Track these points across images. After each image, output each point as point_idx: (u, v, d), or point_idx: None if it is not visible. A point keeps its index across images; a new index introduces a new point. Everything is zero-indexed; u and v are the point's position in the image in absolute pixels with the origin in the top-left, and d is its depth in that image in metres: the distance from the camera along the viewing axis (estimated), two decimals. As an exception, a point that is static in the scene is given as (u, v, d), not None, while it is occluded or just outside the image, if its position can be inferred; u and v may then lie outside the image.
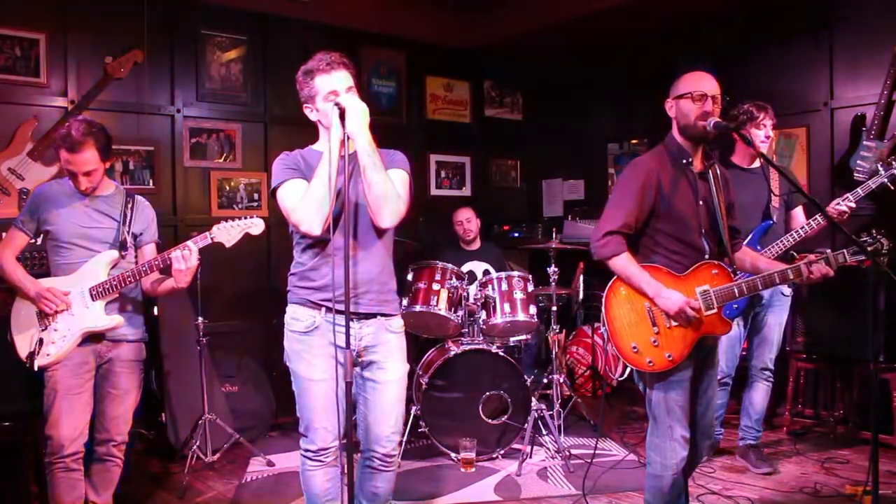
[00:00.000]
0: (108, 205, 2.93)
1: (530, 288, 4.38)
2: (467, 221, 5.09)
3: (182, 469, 3.86)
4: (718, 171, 2.67)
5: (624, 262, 2.56)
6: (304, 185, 2.40)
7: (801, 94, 4.79)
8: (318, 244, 2.45)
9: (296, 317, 2.48)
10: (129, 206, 2.95)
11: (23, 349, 2.84)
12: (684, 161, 2.60)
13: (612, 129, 6.05)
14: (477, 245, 5.17)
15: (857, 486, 3.46)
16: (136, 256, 3.01)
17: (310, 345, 2.44)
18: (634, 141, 5.91)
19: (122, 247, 2.90)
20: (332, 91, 2.42)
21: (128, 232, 2.94)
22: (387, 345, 2.52)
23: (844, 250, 2.52)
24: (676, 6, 4.98)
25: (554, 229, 4.79)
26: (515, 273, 4.41)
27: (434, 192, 6.12)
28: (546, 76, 6.47)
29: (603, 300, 2.65)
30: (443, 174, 6.20)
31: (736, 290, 2.52)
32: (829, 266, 2.49)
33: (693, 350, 2.56)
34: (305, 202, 2.34)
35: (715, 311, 2.53)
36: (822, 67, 4.68)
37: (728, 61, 5.16)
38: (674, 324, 2.54)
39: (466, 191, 6.32)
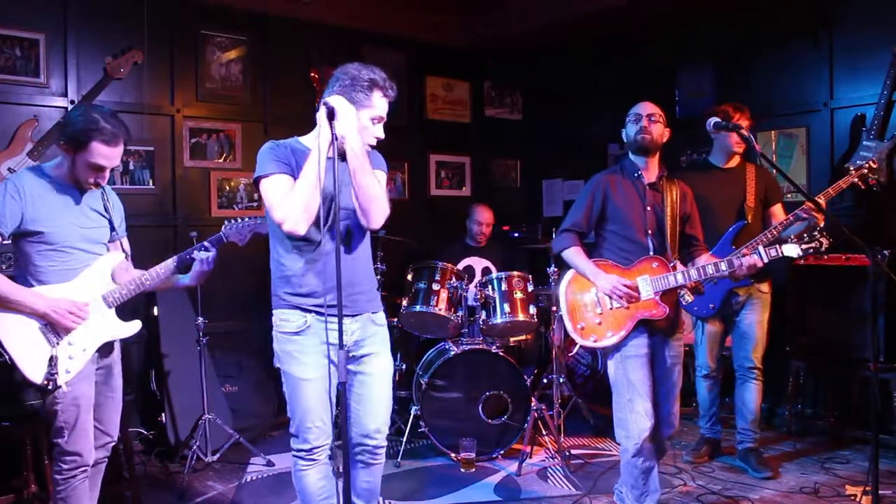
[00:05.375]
0: (93, 199, 2.70)
1: (530, 288, 4.38)
2: (487, 227, 5.05)
3: (182, 469, 3.86)
4: (676, 187, 3.09)
5: (572, 254, 3.07)
6: (291, 181, 2.36)
7: (801, 94, 4.79)
8: (304, 245, 2.42)
9: (286, 318, 2.46)
10: (106, 198, 2.75)
11: (33, 372, 2.50)
12: (635, 174, 3.07)
13: (612, 129, 6.00)
14: (482, 243, 5.13)
15: (857, 486, 3.47)
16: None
17: (302, 345, 2.43)
18: (634, 141, 5.91)
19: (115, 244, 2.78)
20: (380, 117, 2.47)
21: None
22: (374, 338, 2.56)
23: (777, 245, 2.91)
24: (676, 6, 4.98)
25: (554, 229, 4.77)
26: (515, 273, 4.41)
27: (434, 191, 6.12)
28: (546, 76, 6.46)
29: (560, 288, 3.13)
30: (443, 174, 6.20)
31: (672, 279, 2.93)
32: (759, 258, 2.90)
33: (635, 329, 2.94)
34: (292, 201, 2.30)
35: (652, 296, 2.94)
36: (822, 67, 4.68)
37: (728, 61, 5.17)
38: (616, 306, 2.97)
39: (466, 191, 6.32)
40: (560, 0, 5.25)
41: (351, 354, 2.50)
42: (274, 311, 2.50)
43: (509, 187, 6.67)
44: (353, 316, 2.49)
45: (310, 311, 2.43)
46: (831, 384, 4.44)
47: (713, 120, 2.90)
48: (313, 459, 2.49)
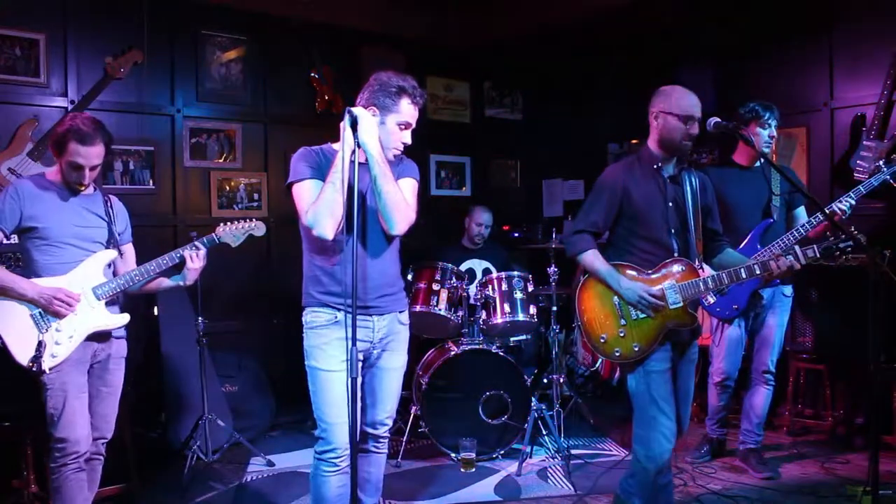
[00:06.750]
0: (93, 203, 2.86)
1: (530, 288, 4.38)
2: (485, 228, 5.02)
3: (182, 469, 3.86)
4: (695, 177, 2.82)
5: (590, 258, 2.75)
6: (321, 186, 2.45)
7: (801, 94, 4.79)
8: (332, 248, 2.50)
9: (317, 315, 2.55)
10: (109, 204, 2.91)
11: (21, 354, 2.67)
12: (654, 166, 2.76)
13: (612, 129, 6.05)
14: (480, 244, 5.15)
15: (857, 486, 3.46)
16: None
17: (330, 337, 2.50)
18: (634, 141, 5.90)
19: (113, 245, 2.87)
20: (407, 123, 2.56)
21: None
22: (398, 335, 2.67)
23: (814, 245, 2.63)
24: (676, 6, 4.98)
25: (554, 229, 4.79)
26: (515, 273, 4.41)
27: (434, 192, 6.12)
28: (546, 76, 6.46)
29: (576, 296, 2.81)
30: (443, 174, 6.20)
31: (701, 285, 2.65)
32: (796, 260, 2.62)
33: (662, 341, 2.68)
34: (317, 207, 2.39)
35: (680, 304, 2.66)
36: (822, 67, 4.68)
37: (728, 61, 5.17)
38: (641, 316, 2.69)
39: (466, 191, 6.32)
40: (560, 0, 5.26)
41: (375, 351, 2.61)
42: (305, 309, 2.58)
43: (509, 187, 6.68)
44: (381, 315, 2.59)
45: (340, 309, 2.52)
46: (831, 384, 4.43)
47: (713, 120, 2.76)
48: (336, 465, 2.50)
